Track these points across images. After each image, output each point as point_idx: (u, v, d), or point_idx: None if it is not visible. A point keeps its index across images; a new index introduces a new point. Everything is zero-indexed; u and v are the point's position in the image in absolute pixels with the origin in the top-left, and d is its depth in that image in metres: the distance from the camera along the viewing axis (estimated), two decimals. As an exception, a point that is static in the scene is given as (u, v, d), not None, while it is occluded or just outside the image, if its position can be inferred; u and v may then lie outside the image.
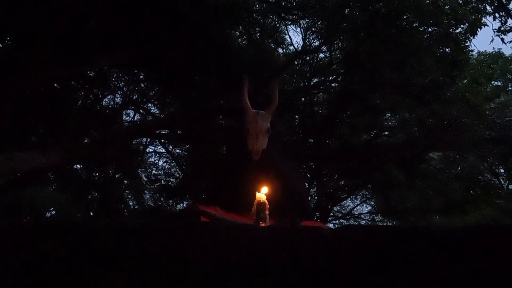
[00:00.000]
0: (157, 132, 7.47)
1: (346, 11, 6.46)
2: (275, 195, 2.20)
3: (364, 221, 10.51)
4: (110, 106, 7.63)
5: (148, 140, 8.83)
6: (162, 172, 9.32)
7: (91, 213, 9.12)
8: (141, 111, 7.96)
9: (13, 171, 4.71)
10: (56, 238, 1.21)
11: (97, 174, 8.62)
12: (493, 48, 10.18)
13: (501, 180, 9.92)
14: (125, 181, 9.27)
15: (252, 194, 2.18)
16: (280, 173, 2.64)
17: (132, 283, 1.10)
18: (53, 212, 10.21)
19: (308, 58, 7.74)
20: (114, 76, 7.09)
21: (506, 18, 5.91)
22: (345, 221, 10.52)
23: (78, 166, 8.10)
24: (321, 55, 7.79)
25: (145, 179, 9.45)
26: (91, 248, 1.17)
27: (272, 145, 2.74)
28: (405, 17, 6.22)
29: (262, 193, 2.14)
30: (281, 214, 2.20)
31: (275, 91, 2.94)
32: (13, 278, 1.12)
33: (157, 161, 9.37)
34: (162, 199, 9.27)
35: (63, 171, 7.63)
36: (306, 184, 8.76)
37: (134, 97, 7.58)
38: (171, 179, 9.17)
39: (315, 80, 8.04)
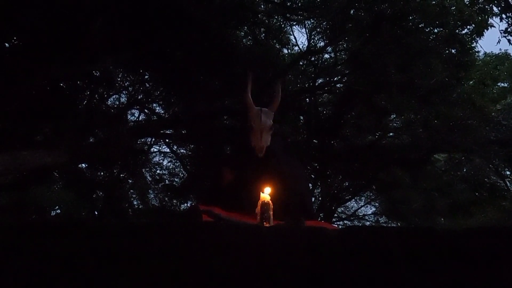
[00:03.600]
0: (161, 132, 7.50)
1: (352, 11, 6.44)
2: (276, 194, 2.19)
3: (368, 222, 10.49)
4: (115, 105, 7.67)
5: (153, 140, 8.87)
6: (167, 172, 9.36)
7: (96, 212, 9.18)
8: (146, 111, 7.99)
9: (18, 170, 4.74)
10: (60, 236, 1.21)
11: (102, 173, 8.67)
12: (500, 49, 10.15)
13: (507, 182, 9.85)
14: (130, 181, 9.31)
15: (255, 194, 2.18)
16: (281, 172, 2.64)
17: (136, 282, 1.10)
18: (58, 211, 10.29)
19: (313, 58, 7.74)
20: (119, 76, 7.12)
21: (513, 19, 5.86)
22: (349, 222, 10.52)
23: (83, 165, 8.15)
24: (326, 55, 7.80)
25: (150, 179, 9.49)
26: (95, 247, 1.18)
27: (274, 144, 2.74)
28: (410, 18, 6.20)
29: (266, 193, 2.14)
30: (282, 213, 2.19)
31: (278, 90, 2.96)
32: (17, 276, 1.12)
33: (161, 161, 9.41)
34: (166, 198, 9.31)
35: (68, 170, 7.67)
36: (311, 184, 8.75)
37: (139, 97, 7.61)
38: (175, 178, 9.21)
39: (320, 80, 8.03)
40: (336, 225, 8.22)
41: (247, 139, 2.69)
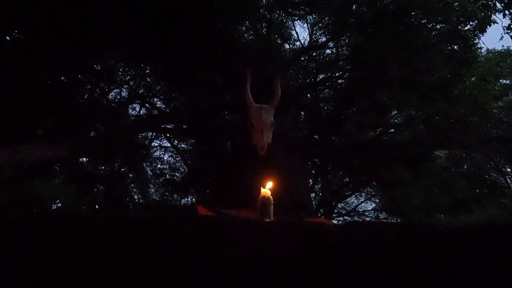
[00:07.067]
0: (162, 126, 7.50)
1: (354, 7, 6.41)
2: (275, 191, 2.20)
3: (368, 218, 10.53)
4: (116, 100, 7.67)
5: (154, 134, 8.88)
6: (167, 167, 9.37)
7: (97, 206, 9.21)
8: (147, 105, 7.99)
9: (20, 164, 4.75)
10: (61, 230, 1.22)
11: (102, 167, 8.69)
12: (502, 45, 10.06)
13: (508, 179, 9.85)
14: (130, 175, 9.33)
15: (256, 190, 2.18)
16: (280, 169, 2.64)
17: (136, 276, 1.11)
18: (59, 205, 10.33)
19: (314, 54, 7.71)
20: (121, 70, 7.11)
21: (516, 15, 5.82)
22: (349, 218, 10.55)
23: (84, 159, 8.16)
24: (328, 51, 7.77)
25: (150, 173, 9.51)
26: (95, 241, 1.18)
27: (274, 140, 2.74)
28: (413, 13, 6.16)
29: (267, 189, 2.14)
30: (281, 210, 2.20)
31: (277, 85, 2.95)
32: (18, 270, 1.13)
33: (162, 156, 9.42)
34: (167, 193, 9.34)
35: (69, 164, 7.68)
36: (311, 180, 8.76)
37: (140, 92, 7.60)
38: (176, 173, 9.22)
39: (321, 76, 8.01)
40: (335, 222, 8.23)
41: (248, 137, 2.70)
